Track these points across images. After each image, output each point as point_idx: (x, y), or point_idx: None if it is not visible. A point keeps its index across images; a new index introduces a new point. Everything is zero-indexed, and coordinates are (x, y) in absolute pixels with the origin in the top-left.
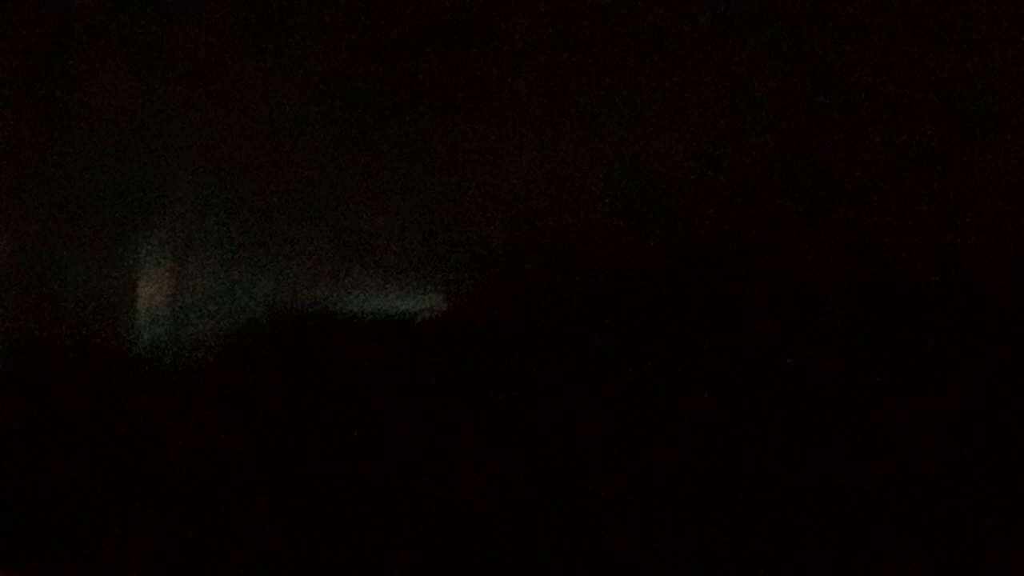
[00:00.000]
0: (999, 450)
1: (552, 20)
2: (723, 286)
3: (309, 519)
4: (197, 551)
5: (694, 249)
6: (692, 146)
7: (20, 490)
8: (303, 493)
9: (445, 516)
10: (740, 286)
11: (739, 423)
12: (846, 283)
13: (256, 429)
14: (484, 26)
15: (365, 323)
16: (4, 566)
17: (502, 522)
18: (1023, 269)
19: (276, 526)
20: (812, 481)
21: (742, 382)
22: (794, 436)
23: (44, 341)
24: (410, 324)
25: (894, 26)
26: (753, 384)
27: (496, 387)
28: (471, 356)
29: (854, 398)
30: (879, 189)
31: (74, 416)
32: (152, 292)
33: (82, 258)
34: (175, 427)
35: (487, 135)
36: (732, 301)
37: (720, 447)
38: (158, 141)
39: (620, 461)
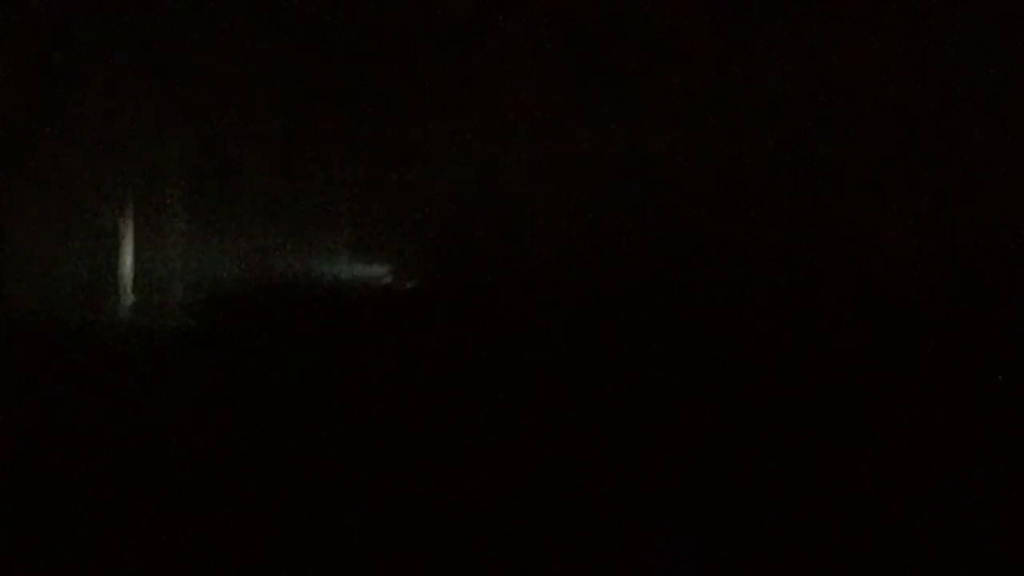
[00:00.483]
0: (998, 449)
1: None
2: (721, 285)
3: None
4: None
5: (690, 248)
6: (689, 147)
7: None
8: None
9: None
10: (738, 286)
11: (735, 422)
12: (842, 284)
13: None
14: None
15: (363, 319)
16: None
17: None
18: (1020, 269)
19: (274, 527)
20: (811, 480)
21: (739, 381)
22: (789, 434)
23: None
24: (409, 321)
25: (891, 27)
26: (749, 383)
27: (490, 385)
28: (467, 353)
29: (852, 397)
30: (875, 191)
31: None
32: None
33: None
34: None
35: (485, 135)
36: (730, 301)
37: (715, 446)
38: (152, 135)
39: (613, 460)
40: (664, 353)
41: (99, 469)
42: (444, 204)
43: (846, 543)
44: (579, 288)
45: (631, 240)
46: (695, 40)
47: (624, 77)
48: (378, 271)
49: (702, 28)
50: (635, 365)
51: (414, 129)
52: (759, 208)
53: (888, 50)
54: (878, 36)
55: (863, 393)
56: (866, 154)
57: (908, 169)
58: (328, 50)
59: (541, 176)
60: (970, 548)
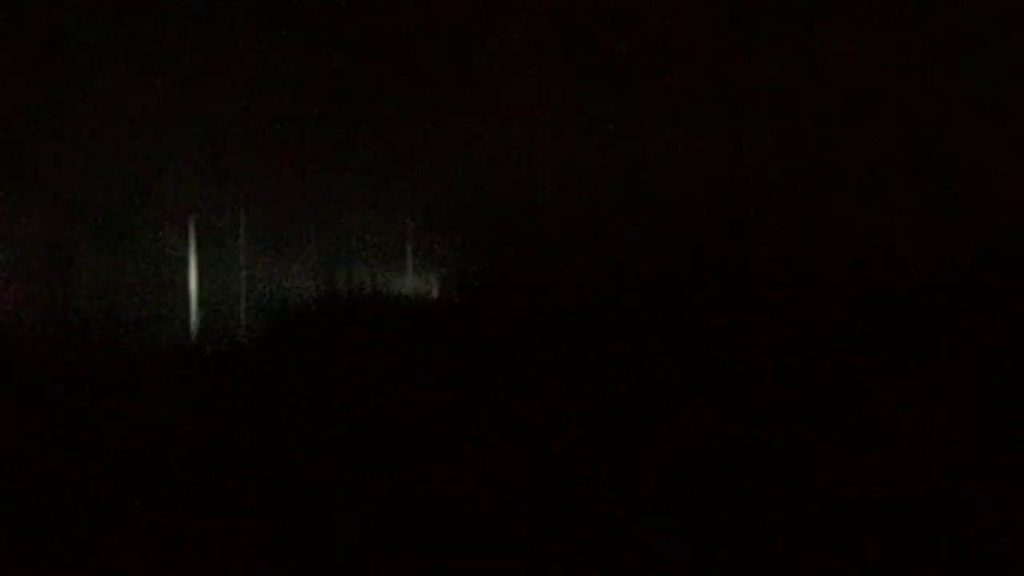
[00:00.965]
0: (998, 450)
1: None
2: (721, 285)
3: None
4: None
5: (690, 248)
6: (689, 147)
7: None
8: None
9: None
10: (738, 286)
11: (736, 421)
12: (842, 284)
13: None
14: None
15: (367, 320)
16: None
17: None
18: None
19: (281, 524)
20: (811, 480)
21: (739, 381)
22: (790, 434)
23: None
24: (409, 319)
25: (889, 27)
26: (749, 382)
27: (491, 382)
28: (467, 351)
29: (852, 397)
30: (875, 191)
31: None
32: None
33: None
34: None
35: (486, 133)
36: (730, 300)
37: (712, 445)
38: (166, 140)
39: (613, 460)
40: (664, 353)
41: (165, 485)
42: (443, 203)
43: (846, 543)
44: (579, 288)
45: (631, 240)
46: (695, 40)
47: (624, 77)
48: (431, 279)
49: (702, 28)
50: (635, 365)
51: (414, 129)
52: (759, 208)
53: (888, 50)
54: (878, 36)
55: (863, 393)
56: (866, 154)
57: (908, 169)
58: (328, 50)
59: (541, 176)
60: (970, 548)
